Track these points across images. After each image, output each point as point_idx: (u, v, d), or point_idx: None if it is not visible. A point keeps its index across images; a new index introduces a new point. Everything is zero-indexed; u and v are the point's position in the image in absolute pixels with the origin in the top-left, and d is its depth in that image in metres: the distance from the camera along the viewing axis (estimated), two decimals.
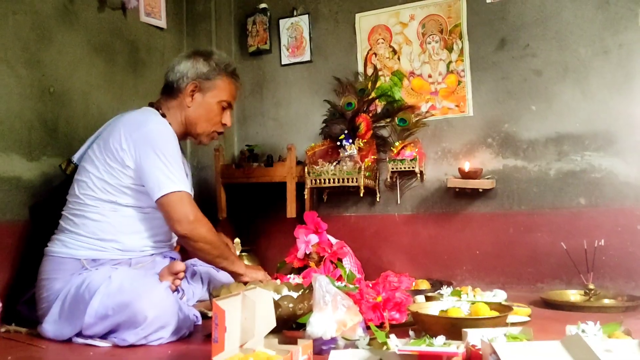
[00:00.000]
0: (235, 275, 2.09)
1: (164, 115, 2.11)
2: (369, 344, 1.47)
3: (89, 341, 1.78)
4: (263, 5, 3.36)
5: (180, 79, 2.13)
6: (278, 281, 2.01)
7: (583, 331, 1.44)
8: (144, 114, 2.07)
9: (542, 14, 2.82)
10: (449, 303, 1.83)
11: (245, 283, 1.93)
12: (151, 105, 2.17)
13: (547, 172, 2.80)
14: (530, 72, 2.84)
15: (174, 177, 1.93)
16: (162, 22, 3.08)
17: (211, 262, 2.07)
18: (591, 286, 2.36)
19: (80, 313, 1.77)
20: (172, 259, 2.10)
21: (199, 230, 1.96)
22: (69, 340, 1.81)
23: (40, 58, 2.39)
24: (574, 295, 2.42)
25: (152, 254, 2.05)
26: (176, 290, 1.97)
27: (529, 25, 2.84)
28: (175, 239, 2.18)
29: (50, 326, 1.84)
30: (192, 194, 2.04)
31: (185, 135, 2.21)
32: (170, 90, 2.16)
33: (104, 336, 1.78)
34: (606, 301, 2.32)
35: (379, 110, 3.10)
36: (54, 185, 2.36)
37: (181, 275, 1.97)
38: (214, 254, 2.02)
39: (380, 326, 1.74)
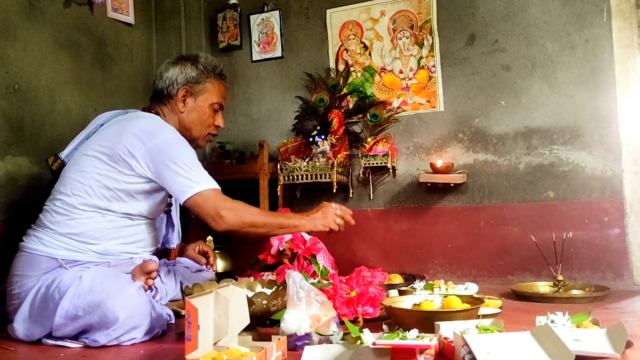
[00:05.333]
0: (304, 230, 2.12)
1: None
2: (343, 339, 1.47)
3: (60, 342, 1.75)
4: (233, 1, 3.33)
5: (170, 85, 2.11)
6: (252, 278, 2.00)
7: (552, 321, 1.47)
8: (154, 121, 2.03)
9: (510, 10, 2.86)
10: (421, 297, 1.84)
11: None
12: (146, 111, 2.14)
13: (517, 166, 2.84)
14: (499, 67, 2.87)
15: (195, 178, 1.91)
16: (130, 18, 3.03)
17: (273, 236, 2.17)
18: (560, 277, 2.40)
19: (50, 313, 1.73)
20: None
21: (235, 221, 1.93)
22: (38, 342, 1.77)
23: (4, 54, 2.33)
24: (543, 286, 2.46)
25: (131, 258, 2.02)
26: (149, 289, 1.95)
27: (497, 20, 2.88)
28: (159, 244, 2.18)
29: (20, 326, 1.80)
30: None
31: None
32: (160, 97, 2.14)
33: (75, 337, 1.74)
34: (575, 292, 2.36)
35: (350, 106, 3.11)
36: (20, 184, 2.31)
37: (154, 274, 1.94)
38: (265, 232, 2.03)
39: (354, 321, 1.75)
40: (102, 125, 2.08)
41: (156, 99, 2.16)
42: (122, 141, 1.92)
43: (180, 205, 2.22)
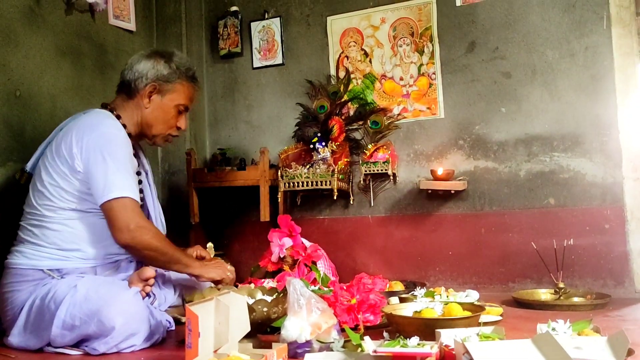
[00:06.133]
0: (195, 276, 2.05)
1: (118, 117, 2.05)
2: (343, 347, 1.47)
3: (60, 350, 1.74)
4: (234, 8, 3.34)
5: (138, 79, 2.06)
6: (252, 285, 2.00)
7: (553, 329, 1.46)
8: (97, 116, 1.99)
9: (510, 17, 2.86)
10: (422, 304, 1.84)
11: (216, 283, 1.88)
12: (104, 106, 2.09)
13: (517, 173, 2.84)
14: (499, 75, 2.88)
15: (119, 183, 1.85)
16: (131, 25, 3.04)
17: (162, 268, 2.01)
18: (561, 285, 2.40)
19: (47, 324, 1.72)
20: (139, 263, 2.05)
21: (141, 238, 1.86)
22: (39, 350, 1.77)
23: (6, 62, 2.34)
24: (544, 294, 2.46)
25: (117, 260, 2.01)
26: (147, 295, 1.94)
27: (497, 28, 2.88)
28: None
29: (16, 338, 1.79)
30: (139, 199, 1.93)
31: (140, 135, 2.15)
32: (126, 90, 2.09)
33: (75, 344, 1.74)
34: (576, 299, 2.36)
35: (351, 113, 3.11)
36: (21, 190, 2.31)
37: (151, 281, 1.93)
38: (162, 260, 1.94)
39: (355, 328, 1.74)
40: (61, 130, 2.04)
41: (122, 91, 2.12)
42: (65, 140, 1.90)
43: (156, 198, 2.21)
